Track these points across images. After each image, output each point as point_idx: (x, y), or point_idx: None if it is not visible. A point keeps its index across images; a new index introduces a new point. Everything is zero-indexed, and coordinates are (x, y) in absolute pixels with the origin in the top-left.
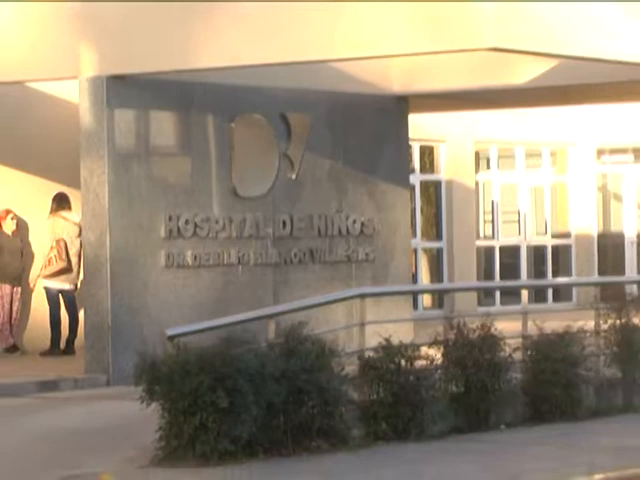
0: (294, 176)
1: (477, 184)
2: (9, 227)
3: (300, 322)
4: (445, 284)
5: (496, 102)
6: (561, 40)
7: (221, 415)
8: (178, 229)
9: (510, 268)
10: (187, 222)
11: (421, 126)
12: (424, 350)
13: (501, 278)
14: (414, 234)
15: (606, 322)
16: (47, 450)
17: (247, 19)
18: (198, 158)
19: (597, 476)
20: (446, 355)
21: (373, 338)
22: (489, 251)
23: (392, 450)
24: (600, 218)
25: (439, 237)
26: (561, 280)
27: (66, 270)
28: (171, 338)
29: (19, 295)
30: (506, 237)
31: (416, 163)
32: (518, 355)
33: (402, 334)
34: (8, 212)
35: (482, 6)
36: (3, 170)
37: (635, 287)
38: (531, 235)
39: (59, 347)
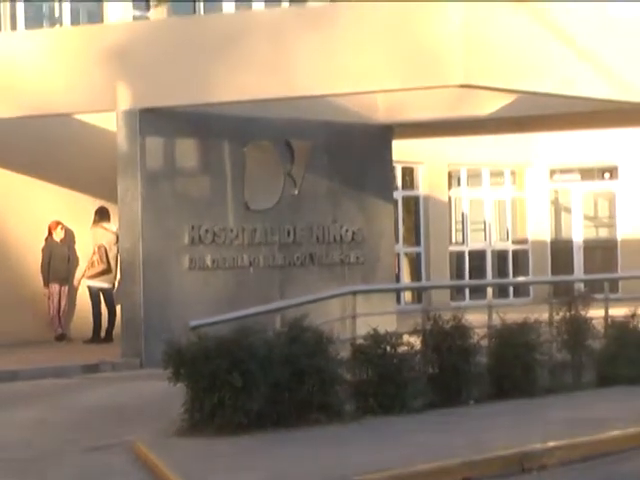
0: (296, 192)
1: (450, 199)
2: (58, 236)
3: (302, 315)
4: (423, 283)
5: (465, 130)
6: (520, 78)
7: (236, 393)
8: (199, 237)
9: (477, 269)
10: (207, 231)
11: (403, 150)
12: (405, 338)
13: (470, 277)
14: (397, 241)
15: (558, 314)
16: (90, 422)
17: (256, 62)
18: (216, 177)
19: (551, 443)
20: (424, 342)
21: (363, 328)
22: (460, 255)
23: (379, 422)
24: (552, 227)
25: (418, 243)
26: (520, 279)
27: (106, 272)
28: (194, 328)
29: (66, 293)
30: (474, 243)
31: (399, 181)
32: (484, 342)
33: (387, 324)
34: (58, 223)
35: (453, 49)
36: (53, 188)
37: (582, 285)
38: (495, 241)
39: (100, 336)
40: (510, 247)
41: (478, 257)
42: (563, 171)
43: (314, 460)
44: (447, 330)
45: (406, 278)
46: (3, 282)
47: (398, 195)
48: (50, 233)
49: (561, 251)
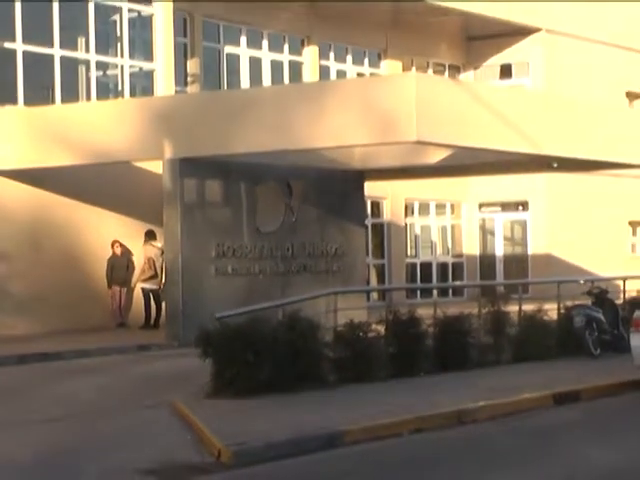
0: (294, 219)
1: (406, 225)
2: (118, 251)
3: (297, 309)
4: (386, 286)
5: (417, 174)
6: (457, 137)
7: (249, 366)
8: (223, 252)
9: (426, 276)
10: (228, 247)
11: (372, 189)
12: (373, 326)
13: (420, 282)
14: (367, 255)
15: (484, 309)
16: (142, 387)
17: (265, 123)
18: (235, 208)
19: (480, 403)
20: (387, 329)
21: (342, 319)
22: (413, 265)
23: (354, 388)
24: (480, 245)
25: (383, 257)
26: (457, 283)
27: (154, 277)
28: (218, 319)
29: (125, 292)
30: (424, 257)
31: (369, 211)
32: (431, 329)
33: (360, 316)
34: (115, 241)
35: (409, 116)
36: (116, 216)
37: (502, 287)
38: (439, 255)
39: (150, 324)
40: (450, 260)
41: (426, 267)
42: (488, 205)
43: (308, 415)
44: (404, 320)
45: (374, 282)
46: (78, 284)
47: (368, 222)
48: (113, 248)
49: (487, 263)
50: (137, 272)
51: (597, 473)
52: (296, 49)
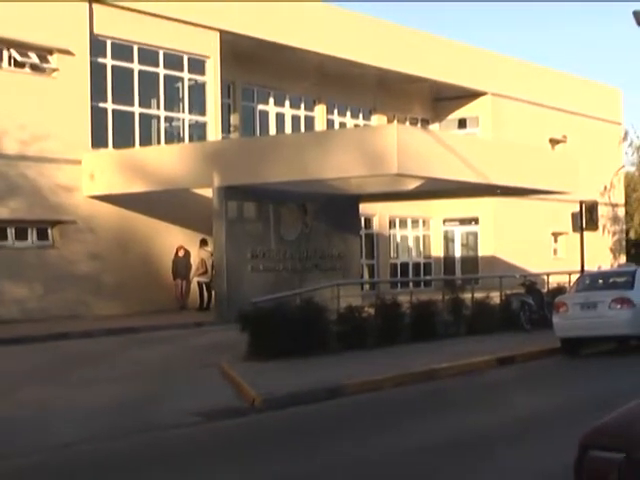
0: (308, 231)
1: (389, 235)
2: (181, 254)
3: (311, 296)
4: (375, 279)
5: (398, 198)
6: (428, 170)
7: (275, 338)
8: (256, 254)
9: (404, 272)
10: (260, 251)
11: (365, 208)
12: (366, 309)
13: (400, 276)
14: (362, 257)
15: (447, 296)
16: (197, 353)
17: (287, 160)
18: (265, 223)
19: (444, 364)
20: (376, 311)
21: (343, 303)
22: (395, 265)
23: (352, 354)
24: (444, 250)
25: (373, 258)
26: (427, 277)
27: (205, 273)
28: (254, 303)
29: (185, 284)
30: (402, 258)
31: (363, 224)
32: (408, 311)
33: (355, 301)
34: (181, 246)
35: (391, 154)
36: (178, 228)
37: (460, 280)
38: (414, 257)
39: (203, 307)
40: (422, 260)
41: (404, 266)
42: (450, 220)
43: (318, 373)
44: (388, 304)
45: (366, 276)
46: (151, 278)
47: (362, 232)
48: (177, 252)
49: (448, 262)
50: (193, 269)
51: (526, 410)
52: (310, 107)
